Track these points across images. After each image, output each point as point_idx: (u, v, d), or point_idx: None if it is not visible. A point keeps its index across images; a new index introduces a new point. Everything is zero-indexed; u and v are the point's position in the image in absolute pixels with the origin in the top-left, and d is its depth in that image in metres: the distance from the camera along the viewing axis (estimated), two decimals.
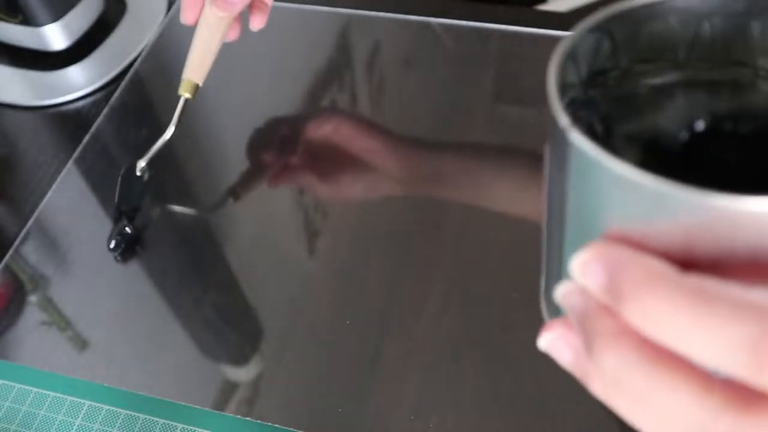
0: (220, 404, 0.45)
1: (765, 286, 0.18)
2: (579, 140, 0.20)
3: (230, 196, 0.56)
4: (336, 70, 0.63)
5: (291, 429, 0.44)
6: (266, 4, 0.53)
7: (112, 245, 0.52)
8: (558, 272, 0.24)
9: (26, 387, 0.46)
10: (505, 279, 0.49)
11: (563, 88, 0.22)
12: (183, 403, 0.45)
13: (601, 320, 0.20)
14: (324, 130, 0.57)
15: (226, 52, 0.66)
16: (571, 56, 0.23)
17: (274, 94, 0.61)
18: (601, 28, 0.23)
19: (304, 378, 0.46)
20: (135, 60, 0.65)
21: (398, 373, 0.45)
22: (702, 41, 0.24)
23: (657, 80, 0.25)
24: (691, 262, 0.19)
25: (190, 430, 0.44)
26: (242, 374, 0.47)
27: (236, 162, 0.57)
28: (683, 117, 0.24)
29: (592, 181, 0.20)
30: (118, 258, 0.52)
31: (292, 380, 0.46)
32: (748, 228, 0.18)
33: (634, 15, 0.23)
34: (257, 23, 0.53)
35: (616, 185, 0.19)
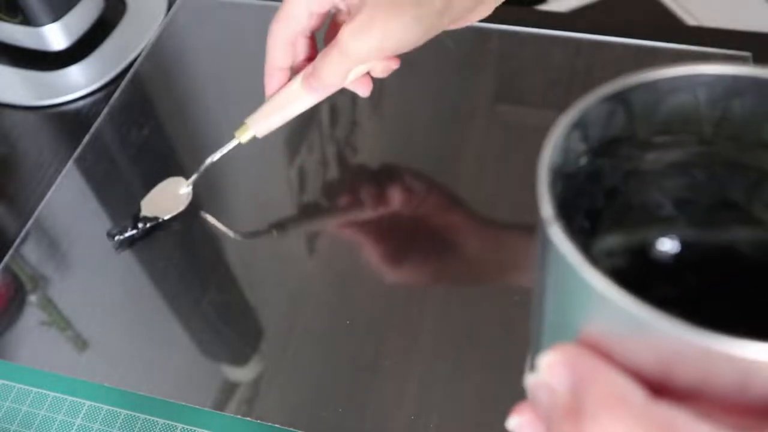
0: (220, 404, 0.45)
1: (740, 428, 0.17)
2: (558, 238, 0.19)
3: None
4: None
5: (291, 429, 0.44)
6: (370, 78, 0.49)
7: (116, 236, 0.53)
8: (535, 359, 0.23)
9: (26, 387, 0.46)
10: (505, 279, 0.49)
11: (566, 157, 0.21)
12: (183, 403, 0.45)
13: (564, 424, 0.19)
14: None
15: (227, 53, 0.66)
16: (578, 125, 0.21)
17: None
18: (617, 97, 0.21)
19: (304, 378, 0.46)
20: (135, 60, 0.65)
21: (398, 373, 0.45)
22: (731, 119, 0.22)
23: (676, 155, 0.23)
24: (668, 384, 0.18)
25: (190, 430, 0.44)
26: (242, 374, 0.47)
27: (242, 158, 0.57)
28: (696, 199, 0.23)
29: (568, 284, 0.19)
30: (118, 246, 0.53)
31: (292, 380, 0.46)
32: (729, 367, 0.17)
33: (655, 86, 0.22)
34: (364, 92, 0.50)
35: (591, 296, 0.18)
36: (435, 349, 0.46)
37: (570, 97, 0.64)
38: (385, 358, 0.46)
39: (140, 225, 0.52)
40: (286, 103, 0.49)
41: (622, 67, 0.61)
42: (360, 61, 0.45)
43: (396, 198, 0.54)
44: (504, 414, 0.44)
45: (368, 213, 0.54)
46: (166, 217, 0.53)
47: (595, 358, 0.19)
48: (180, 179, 0.54)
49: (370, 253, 0.51)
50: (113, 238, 0.52)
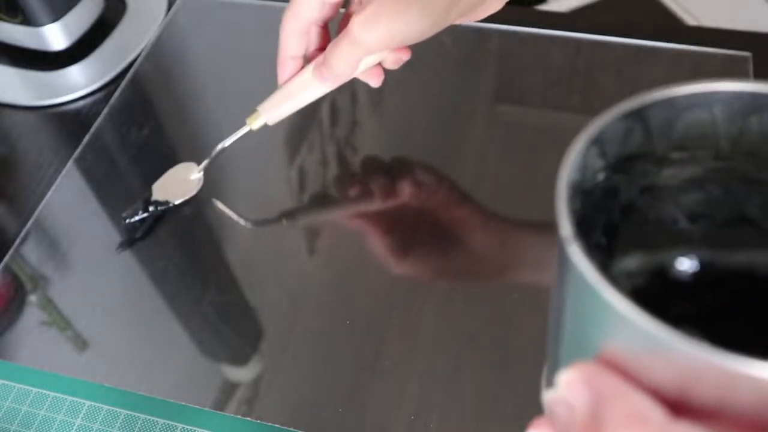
0: (220, 404, 0.45)
1: None
2: (578, 258, 0.19)
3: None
4: None
5: (291, 429, 0.44)
6: (381, 69, 0.50)
7: (127, 219, 0.53)
8: (553, 374, 0.23)
9: (26, 387, 0.46)
10: (506, 277, 0.49)
11: (584, 174, 0.21)
12: (183, 403, 0.45)
13: None
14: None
15: (227, 53, 0.66)
16: (596, 141, 0.21)
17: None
18: (635, 114, 0.21)
19: (304, 378, 0.46)
20: (135, 60, 0.65)
21: (398, 373, 0.45)
22: (748, 135, 0.22)
23: (692, 171, 0.23)
24: (686, 403, 0.18)
25: (190, 430, 0.44)
26: (242, 374, 0.47)
27: (243, 160, 0.57)
28: (712, 215, 0.23)
29: (587, 302, 0.19)
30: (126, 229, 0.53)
31: (292, 380, 0.46)
32: (748, 387, 0.17)
33: (673, 103, 0.22)
34: (375, 83, 0.50)
35: (611, 315, 0.18)
36: (435, 349, 0.46)
37: (570, 97, 0.64)
38: (385, 358, 0.46)
39: (151, 209, 0.53)
40: (297, 91, 0.49)
41: (622, 67, 0.61)
42: (369, 51, 0.45)
43: (398, 196, 0.54)
44: (504, 414, 0.44)
45: (369, 212, 0.54)
46: (176, 202, 0.54)
47: (615, 376, 0.19)
48: (191, 165, 0.55)
49: (374, 245, 0.51)
50: (125, 220, 0.53)
